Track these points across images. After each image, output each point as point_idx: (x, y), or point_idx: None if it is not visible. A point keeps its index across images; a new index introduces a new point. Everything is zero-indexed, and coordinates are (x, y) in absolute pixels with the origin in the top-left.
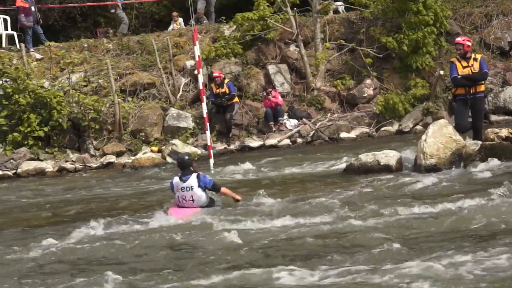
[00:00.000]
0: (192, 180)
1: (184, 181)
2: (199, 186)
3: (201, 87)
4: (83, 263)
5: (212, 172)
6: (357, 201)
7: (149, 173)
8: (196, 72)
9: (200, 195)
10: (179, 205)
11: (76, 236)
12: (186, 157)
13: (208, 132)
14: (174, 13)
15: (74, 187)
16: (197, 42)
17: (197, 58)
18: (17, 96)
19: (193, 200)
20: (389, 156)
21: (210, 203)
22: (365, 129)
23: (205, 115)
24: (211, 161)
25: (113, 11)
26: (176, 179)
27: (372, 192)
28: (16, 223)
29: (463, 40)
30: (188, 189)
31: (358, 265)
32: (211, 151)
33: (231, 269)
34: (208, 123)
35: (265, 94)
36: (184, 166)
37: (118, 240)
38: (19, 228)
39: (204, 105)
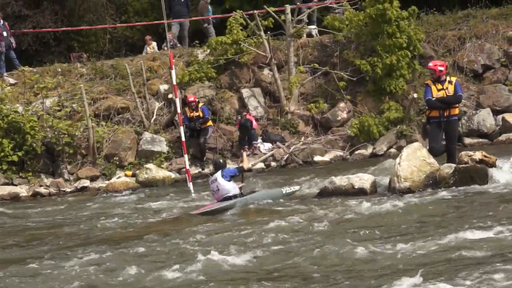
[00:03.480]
0: (218, 173)
1: (212, 176)
2: (222, 176)
3: (178, 111)
4: None
5: (194, 196)
6: (328, 225)
7: (124, 197)
8: (170, 96)
9: (223, 184)
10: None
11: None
12: (221, 160)
13: (186, 156)
14: (148, 37)
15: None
16: (173, 67)
17: (174, 83)
18: None
19: (218, 190)
20: (363, 179)
21: (235, 193)
22: (339, 153)
23: (183, 138)
24: (191, 184)
25: (205, 25)
26: (210, 178)
27: (344, 215)
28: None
29: (434, 65)
30: (214, 181)
31: None
32: (190, 174)
33: None
34: (185, 147)
35: (239, 117)
36: (217, 167)
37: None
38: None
39: (181, 128)
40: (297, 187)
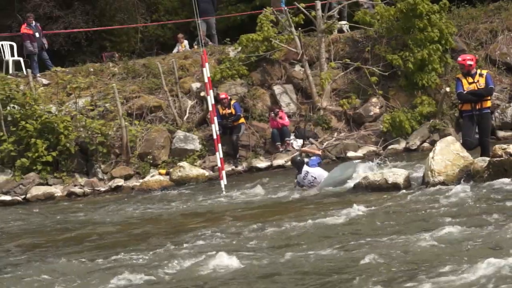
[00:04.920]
0: (305, 167)
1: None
2: (311, 166)
3: (210, 108)
4: None
5: (224, 193)
6: (367, 220)
7: (158, 196)
8: (202, 94)
9: (316, 171)
10: None
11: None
12: (298, 158)
13: (218, 154)
14: (180, 35)
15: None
16: (206, 64)
17: (206, 80)
18: (24, 122)
19: (315, 178)
20: (397, 174)
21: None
22: (372, 148)
23: (215, 136)
24: (222, 182)
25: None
26: (299, 177)
27: (380, 210)
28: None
29: (463, 60)
30: (306, 175)
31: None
32: (223, 172)
33: None
34: (219, 145)
35: (272, 114)
36: (299, 164)
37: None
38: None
39: (214, 126)
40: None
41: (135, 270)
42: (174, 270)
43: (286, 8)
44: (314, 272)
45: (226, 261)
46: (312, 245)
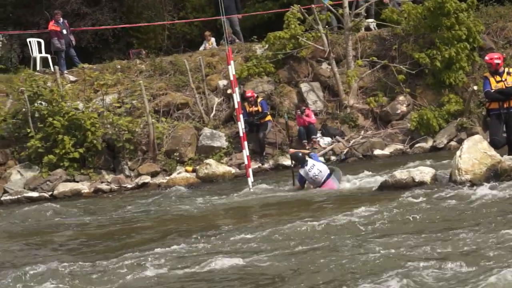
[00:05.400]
0: (310, 161)
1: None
2: (315, 159)
3: (236, 106)
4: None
5: (251, 190)
6: (394, 218)
7: (185, 193)
8: (229, 91)
9: (321, 164)
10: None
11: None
12: (300, 154)
13: (245, 151)
14: (207, 33)
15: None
16: (231, 62)
17: (231, 78)
18: (51, 119)
19: (321, 171)
20: (424, 173)
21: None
22: (399, 146)
23: (241, 134)
24: (250, 179)
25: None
26: (303, 171)
27: (406, 209)
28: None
29: (490, 58)
30: (312, 168)
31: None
32: (250, 170)
33: None
34: (245, 142)
35: (299, 112)
36: (301, 160)
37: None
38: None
39: (240, 124)
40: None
41: (164, 266)
42: (204, 268)
43: (313, 6)
44: (337, 269)
45: (253, 259)
46: (336, 243)
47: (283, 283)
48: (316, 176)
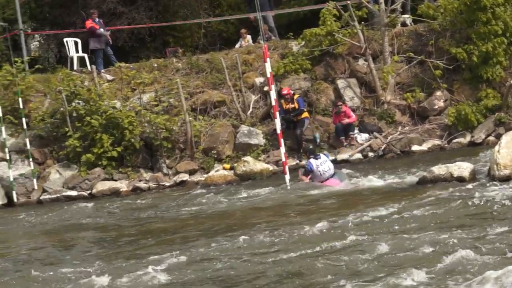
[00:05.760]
0: (322, 156)
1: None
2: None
3: (273, 103)
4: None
5: (289, 188)
6: (432, 213)
7: (223, 190)
8: (266, 88)
9: (330, 162)
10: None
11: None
12: (310, 146)
13: (282, 148)
14: (243, 30)
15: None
16: (267, 59)
17: (268, 75)
18: (89, 118)
19: (330, 169)
20: (462, 168)
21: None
22: (437, 142)
23: (278, 131)
24: (287, 176)
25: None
26: (313, 162)
27: (442, 204)
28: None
29: None
30: (324, 162)
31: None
32: (287, 167)
33: None
34: (282, 139)
35: (336, 108)
36: (312, 151)
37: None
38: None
39: (277, 121)
40: None
41: (205, 261)
42: (245, 264)
43: (349, 2)
44: (381, 262)
45: (292, 256)
46: (374, 238)
47: (335, 279)
48: (325, 172)
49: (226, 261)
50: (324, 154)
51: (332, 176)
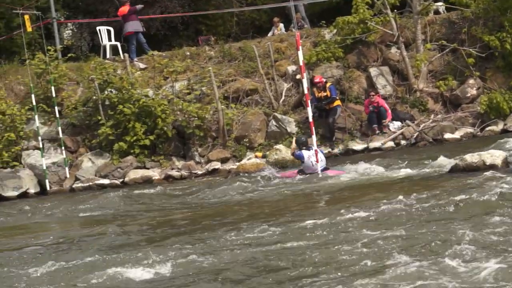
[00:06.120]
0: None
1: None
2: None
3: (305, 91)
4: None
5: (320, 176)
6: (467, 201)
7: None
8: (298, 76)
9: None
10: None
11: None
12: (302, 138)
13: (314, 136)
14: (276, 19)
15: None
16: (300, 47)
17: (301, 63)
18: (121, 106)
19: (322, 160)
20: (495, 156)
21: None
22: (469, 129)
23: (310, 119)
24: (319, 165)
25: None
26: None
27: (475, 192)
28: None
29: None
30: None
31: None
32: (318, 155)
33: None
34: (313, 128)
35: (368, 101)
36: (304, 143)
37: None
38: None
39: (309, 109)
40: None
41: (236, 248)
42: (277, 253)
43: None
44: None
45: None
46: (406, 227)
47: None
48: (316, 163)
49: (262, 248)
50: (320, 151)
51: (325, 169)
